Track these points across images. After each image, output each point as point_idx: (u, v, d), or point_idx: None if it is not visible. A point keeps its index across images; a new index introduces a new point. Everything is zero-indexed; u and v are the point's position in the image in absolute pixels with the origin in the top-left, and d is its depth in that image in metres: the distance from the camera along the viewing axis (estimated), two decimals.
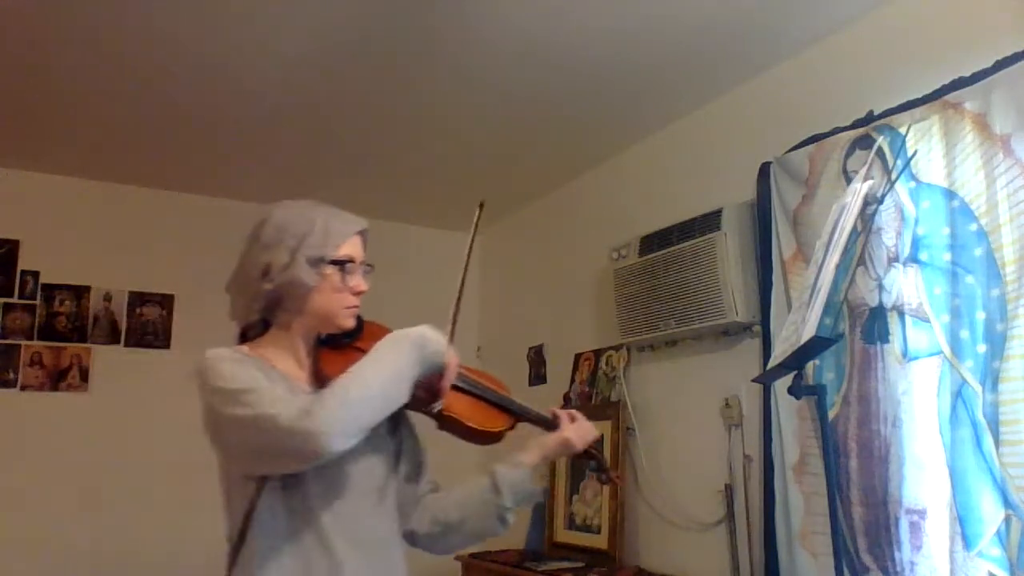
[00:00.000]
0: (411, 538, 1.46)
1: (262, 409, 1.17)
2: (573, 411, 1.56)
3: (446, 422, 1.41)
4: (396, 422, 1.45)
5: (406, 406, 1.32)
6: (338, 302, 1.36)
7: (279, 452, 1.17)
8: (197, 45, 2.50)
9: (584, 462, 1.76)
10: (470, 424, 1.43)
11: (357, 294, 1.38)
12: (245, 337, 1.40)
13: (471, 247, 1.52)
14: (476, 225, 1.56)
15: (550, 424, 1.54)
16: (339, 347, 1.41)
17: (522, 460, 1.48)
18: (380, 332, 1.45)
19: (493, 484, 1.43)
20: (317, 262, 1.33)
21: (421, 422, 1.49)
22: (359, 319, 1.41)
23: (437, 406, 1.35)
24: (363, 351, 1.35)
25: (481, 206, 1.59)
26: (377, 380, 1.23)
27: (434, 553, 1.51)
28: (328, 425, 1.15)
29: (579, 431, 1.52)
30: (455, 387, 1.41)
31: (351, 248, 1.38)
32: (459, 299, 1.49)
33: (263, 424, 1.16)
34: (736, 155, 2.73)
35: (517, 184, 3.80)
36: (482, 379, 1.53)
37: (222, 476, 1.31)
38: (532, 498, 1.50)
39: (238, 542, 1.27)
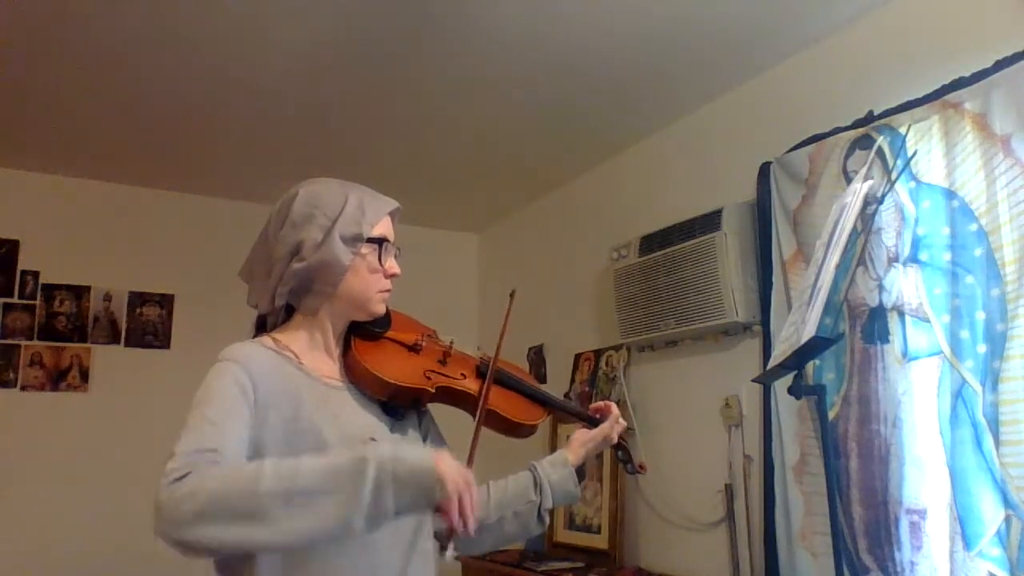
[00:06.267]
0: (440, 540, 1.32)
1: (184, 439, 1.05)
2: (608, 403, 1.52)
3: (485, 416, 1.35)
4: (420, 420, 1.40)
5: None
6: (373, 284, 1.29)
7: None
8: (197, 44, 2.50)
9: (612, 452, 1.71)
10: (510, 417, 1.39)
11: (391, 276, 1.32)
12: (264, 327, 1.31)
13: (501, 341, 1.43)
14: (507, 317, 1.46)
15: (595, 422, 1.50)
16: (372, 337, 1.34)
17: (567, 458, 1.43)
18: (408, 322, 1.41)
19: (536, 484, 1.39)
20: (353, 240, 1.26)
21: (450, 417, 1.45)
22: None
23: (451, 552, 1.11)
24: (396, 341, 1.31)
25: (512, 295, 1.52)
26: (293, 515, 0.98)
27: (465, 554, 1.42)
28: (172, 512, 0.96)
29: (618, 425, 1.50)
30: (496, 380, 1.38)
31: (385, 228, 1.32)
32: (481, 410, 1.33)
33: (174, 448, 1.05)
34: (736, 155, 2.73)
35: (517, 184, 3.79)
36: (517, 371, 1.50)
37: None
38: (572, 499, 1.45)
39: None
